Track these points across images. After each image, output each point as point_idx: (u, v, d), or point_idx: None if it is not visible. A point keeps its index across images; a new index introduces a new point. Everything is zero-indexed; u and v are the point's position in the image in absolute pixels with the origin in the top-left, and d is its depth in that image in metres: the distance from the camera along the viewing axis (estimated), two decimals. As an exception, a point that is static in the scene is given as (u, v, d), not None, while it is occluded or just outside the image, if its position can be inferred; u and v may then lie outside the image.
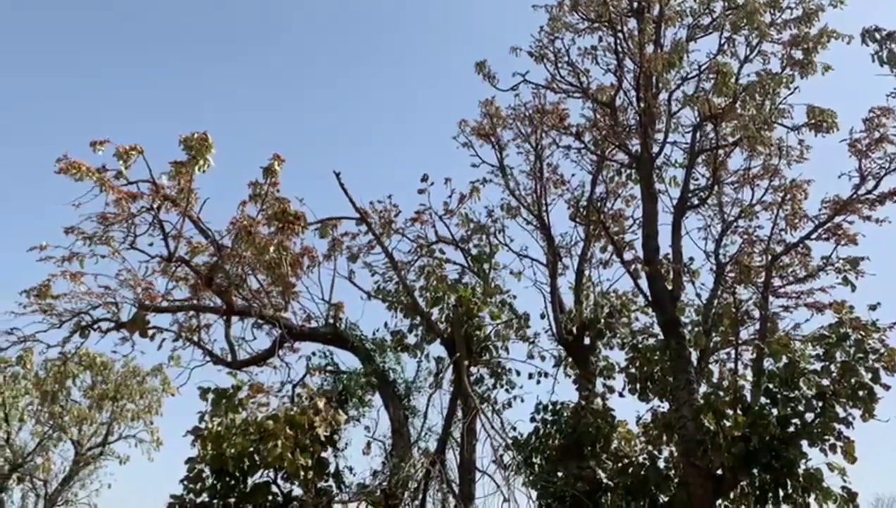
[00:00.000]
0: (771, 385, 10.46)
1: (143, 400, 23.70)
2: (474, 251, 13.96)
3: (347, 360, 12.18)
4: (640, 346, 13.42)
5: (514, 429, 12.47)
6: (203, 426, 10.12)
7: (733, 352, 12.52)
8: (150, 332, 10.80)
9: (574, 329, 13.48)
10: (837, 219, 12.72)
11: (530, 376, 13.17)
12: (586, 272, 14.46)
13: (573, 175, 15.38)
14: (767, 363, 11.10)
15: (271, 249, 10.29)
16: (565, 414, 12.82)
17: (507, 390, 12.78)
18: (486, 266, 13.57)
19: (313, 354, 12.06)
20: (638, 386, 13.13)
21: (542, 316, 13.68)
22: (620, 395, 13.46)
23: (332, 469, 10.59)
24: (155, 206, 9.65)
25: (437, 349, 12.38)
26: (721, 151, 13.62)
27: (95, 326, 10.62)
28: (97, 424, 24.15)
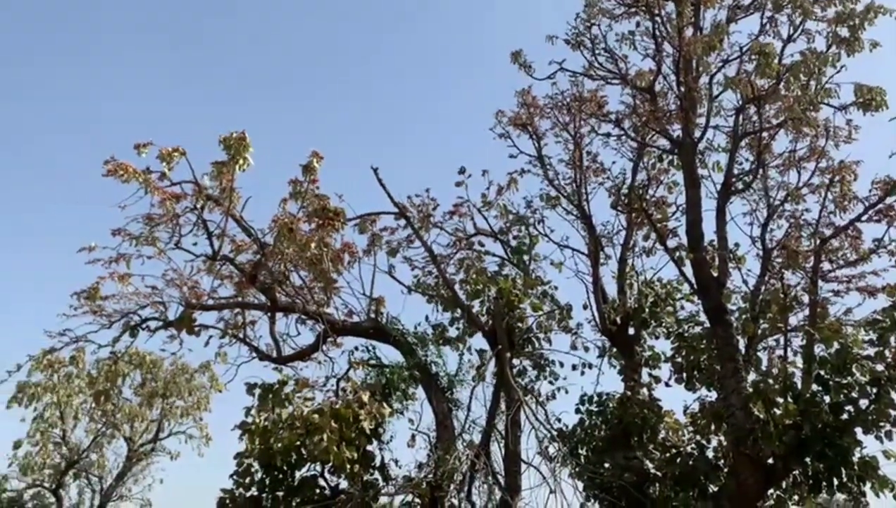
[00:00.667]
0: (822, 372, 10.22)
1: (192, 397, 24.33)
2: (514, 243, 13.92)
3: (390, 354, 12.28)
4: (685, 335, 13.24)
5: (559, 420, 12.44)
6: (250, 420, 10.32)
7: (782, 339, 12.32)
8: (197, 329, 11.01)
9: (618, 319, 13.36)
10: (889, 200, 12.34)
11: (574, 367, 13.12)
12: (629, 261, 14.31)
13: (613, 163, 15.27)
14: (818, 350, 10.86)
15: (312, 245, 10.41)
16: (611, 405, 12.73)
17: (550, 381, 12.73)
18: (526, 258, 13.52)
19: (356, 348, 12.16)
20: (684, 375, 12.95)
21: (585, 307, 13.59)
22: (667, 385, 13.33)
23: (377, 461, 10.68)
24: (198, 206, 9.83)
25: (478, 341, 12.42)
26: (765, 134, 13.34)
27: (144, 325, 10.84)
28: (148, 421, 24.88)
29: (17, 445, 22.63)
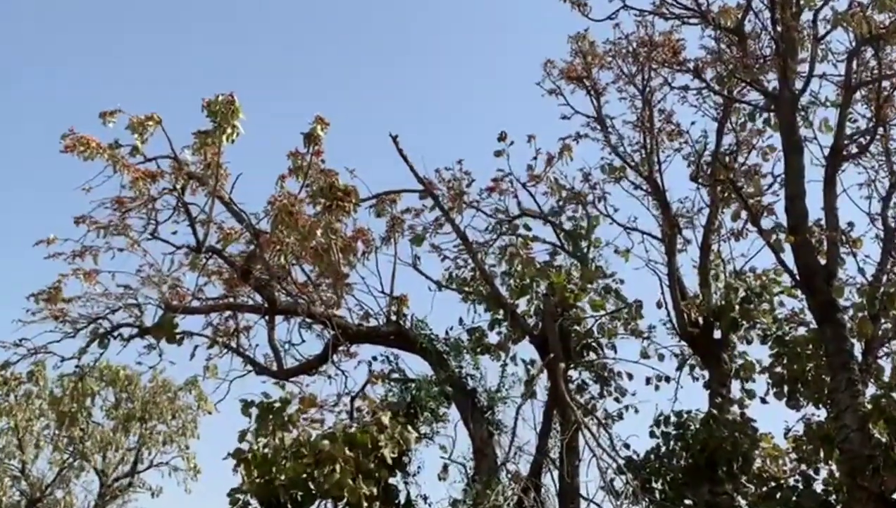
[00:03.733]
0: (962, 384, 10.11)
1: (176, 420, 24.69)
2: (568, 226, 13.91)
3: (415, 365, 12.37)
4: (786, 338, 13.15)
5: (628, 447, 12.45)
6: (246, 448, 10.44)
7: (910, 342, 12.16)
8: (180, 338, 11.20)
9: (700, 320, 13.31)
10: None
11: (647, 381, 13.10)
12: (714, 247, 14.27)
13: (693, 123, 14.99)
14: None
15: (318, 232, 10.48)
16: (693, 427, 12.67)
17: (616, 398, 12.77)
18: (583, 244, 13.49)
19: (374, 359, 12.30)
20: (785, 389, 12.89)
21: (659, 305, 13.59)
22: (763, 401, 13.29)
23: (402, 498, 10.80)
24: (178, 186, 9.98)
25: (526, 349, 12.45)
26: (886, 84, 13.13)
27: (116, 333, 11.05)
28: (123, 450, 25.30)
29: (-34, 481, 23.24)
